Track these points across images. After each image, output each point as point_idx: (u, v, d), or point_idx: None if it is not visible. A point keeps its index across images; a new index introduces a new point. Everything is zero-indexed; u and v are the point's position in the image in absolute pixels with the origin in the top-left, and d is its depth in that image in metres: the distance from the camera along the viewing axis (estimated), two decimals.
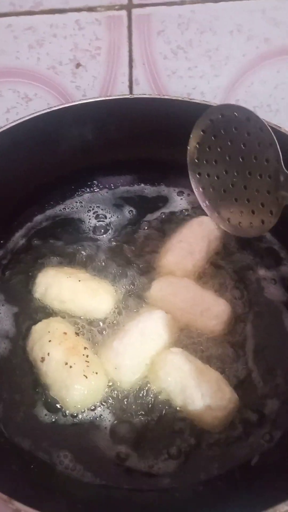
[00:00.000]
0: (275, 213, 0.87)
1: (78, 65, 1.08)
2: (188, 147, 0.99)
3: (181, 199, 1.09)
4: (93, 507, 0.72)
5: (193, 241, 0.97)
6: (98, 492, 0.74)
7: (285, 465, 0.75)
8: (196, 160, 1.00)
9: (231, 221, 0.97)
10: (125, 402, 0.82)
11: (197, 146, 0.98)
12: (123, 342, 0.83)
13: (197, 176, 1.01)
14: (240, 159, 0.91)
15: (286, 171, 0.82)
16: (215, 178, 0.97)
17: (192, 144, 0.99)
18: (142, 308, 0.92)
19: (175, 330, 0.88)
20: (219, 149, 0.95)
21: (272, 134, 0.84)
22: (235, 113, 0.90)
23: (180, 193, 1.10)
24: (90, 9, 1.00)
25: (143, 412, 0.81)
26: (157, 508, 0.74)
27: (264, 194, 0.88)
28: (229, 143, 0.92)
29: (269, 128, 0.85)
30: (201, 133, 0.96)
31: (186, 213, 1.07)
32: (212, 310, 0.89)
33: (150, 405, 0.81)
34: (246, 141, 0.90)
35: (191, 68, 1.11)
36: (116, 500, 0.74)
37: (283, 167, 0.83)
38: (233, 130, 0.91)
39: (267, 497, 0.64)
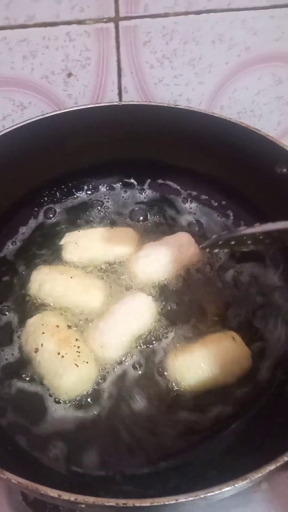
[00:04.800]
0: None
1: (69, 75, 1.11)
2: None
3: (168, 204, 1.13)
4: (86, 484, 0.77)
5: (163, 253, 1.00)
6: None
7: None
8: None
9: None
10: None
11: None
12: (108, 322, 0.88)
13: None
14: None
15: None
16: None
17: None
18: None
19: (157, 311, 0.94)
20: None
21: None
22: None
23: (166, 197, 1.14)
24: (80, 22, 1.02)
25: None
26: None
27: None
28: None
29: None
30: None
31: (169, 220, 1.11)
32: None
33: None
34: None
35: (177, 76, 1.14)
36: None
37: None
38: None
39: None
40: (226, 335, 0.90)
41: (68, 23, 1.02)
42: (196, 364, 0.85)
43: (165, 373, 0.87)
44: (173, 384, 0.86)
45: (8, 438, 0.82)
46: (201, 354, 0.86)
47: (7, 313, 0.96)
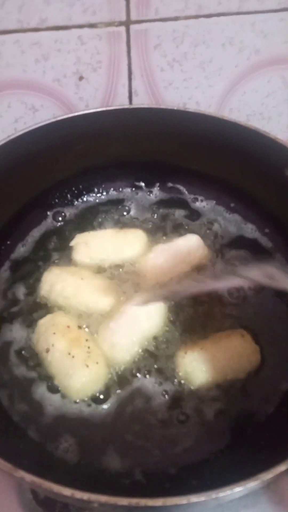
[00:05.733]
0: None
1: (81, 78, 1.12)
2: None
3: (177, 206, 1.14)
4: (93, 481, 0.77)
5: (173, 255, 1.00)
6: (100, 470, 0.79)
7: None
8: None
9: None
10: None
11: None
12: (119, 323, 0.89)
13: None
14: None
15: None
16: None
17: None
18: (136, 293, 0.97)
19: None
20: None
21: None
22: None
23: (175, 200, 1.14)
24: (92, 25, 1.03)
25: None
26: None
27: None
28: None
29: None
30: None
31: (178, 222, 1.11)
32: None
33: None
34: None
35: (187, 79, 1.15)
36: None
37: None
38: None
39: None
40: (235, 333, 0.90)
41: (80, 26, 1.03)
42: (205, 360, 0.86)
43: (176, 370, 0.88)
44: (183, 381, 0.87)
45: (20, 432, 0.83)
46: (210, 351, 0.86)
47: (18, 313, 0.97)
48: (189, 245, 1.02)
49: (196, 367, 0.86)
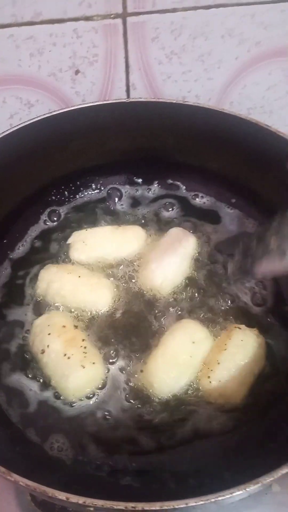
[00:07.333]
0: None
1: (77, 72, 1.10)
2: None
3: (177, 201, 1.12)
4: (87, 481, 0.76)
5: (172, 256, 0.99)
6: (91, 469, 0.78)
7: None
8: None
9: None
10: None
11: None
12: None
13: None
14: None
15: None
16: None
17: None
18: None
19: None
20: None
21: None
22: None
23: (175, 195, 1.13)
24: (87, 18, 1.02)
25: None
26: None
27: None
28: None
29: None
30: None
31: (177, 215, 1.10)
32: None
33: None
34: None
35: (185, 72, 1.13)
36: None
37: None
38: None
39: None
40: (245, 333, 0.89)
41: (76, 19, 1.02)
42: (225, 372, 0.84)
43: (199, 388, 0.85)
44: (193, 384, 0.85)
45: (16, 434, 0.82)
46: (227, 362, 0.85)
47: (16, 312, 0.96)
48: (177, 238, 1.01)
49: (218, 383, 0.83)
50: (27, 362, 0.89)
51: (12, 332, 0.94)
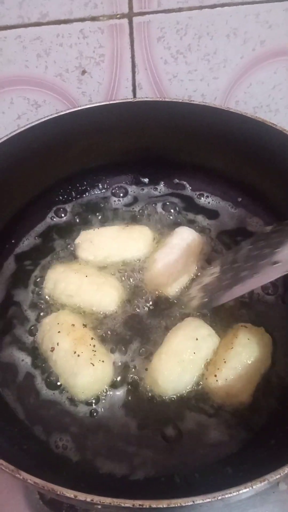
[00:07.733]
0: None
1: (83, 72, 1.11)
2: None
3: (183, 201, 1.12)
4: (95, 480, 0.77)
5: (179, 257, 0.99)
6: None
7: None
8: None
9: None
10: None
11: None
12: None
13: None
14: None
15: None
16: None
17: None
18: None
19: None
20: None
21: None
22: None
23: (181, 194, 1.13)
24: (93, 18, 1.02)
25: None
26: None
27: None
28: None
29: None
30: None
31: (183, 214, 1.10)
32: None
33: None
34: None
35: (191, 72, 1.14)
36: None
37: None
38: None
39: None
40: (251, 332, 0.89)
41: (82, 20, 1.02)
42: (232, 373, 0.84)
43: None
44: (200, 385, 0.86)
45: (24, 432, 0.83)
46: (234, 361, 0.85)
47: (23, 311, 0.96)
48: (182, 237, 1.02)
49: (225, 383, 0.83)
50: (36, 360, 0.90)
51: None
